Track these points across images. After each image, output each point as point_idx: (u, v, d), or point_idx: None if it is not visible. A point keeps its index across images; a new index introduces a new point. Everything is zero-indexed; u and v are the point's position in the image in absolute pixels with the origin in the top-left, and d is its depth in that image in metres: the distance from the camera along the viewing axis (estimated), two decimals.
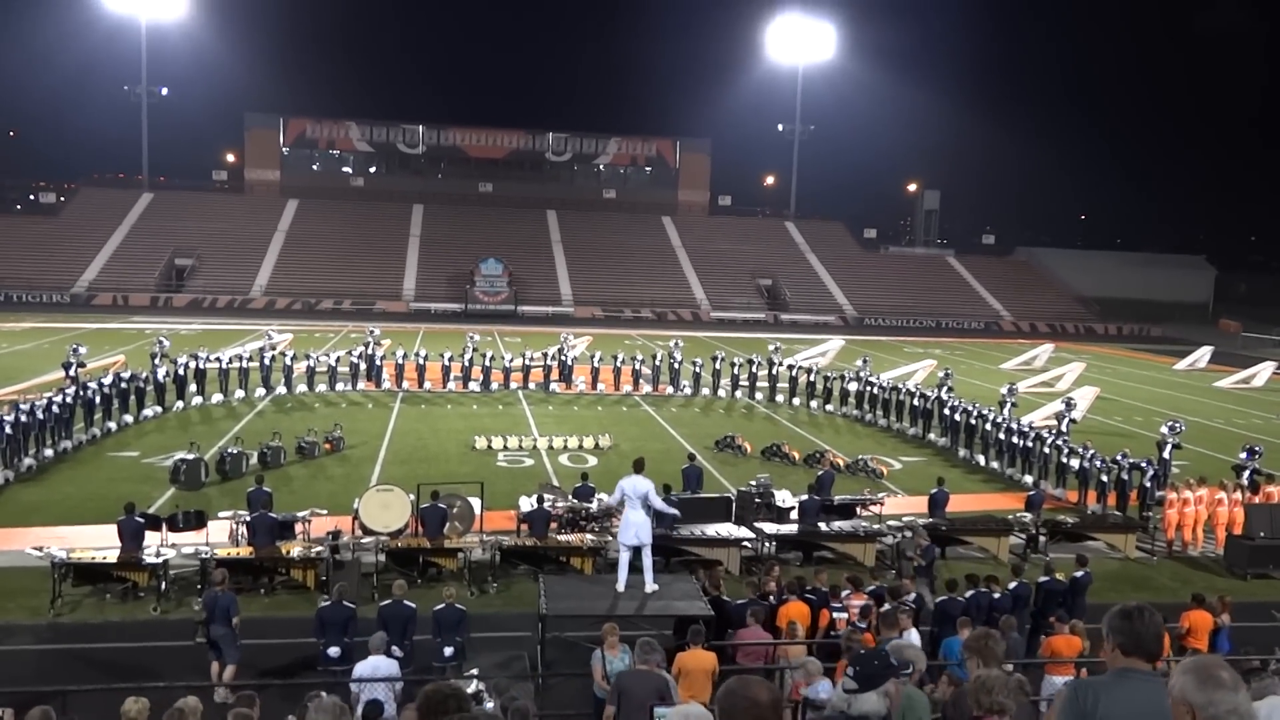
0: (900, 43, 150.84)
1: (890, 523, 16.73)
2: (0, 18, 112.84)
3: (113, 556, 13.26)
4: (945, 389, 26.91)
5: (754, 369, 32.70)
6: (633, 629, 10.64)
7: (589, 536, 15.20)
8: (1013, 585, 12.41)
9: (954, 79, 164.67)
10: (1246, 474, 19.17)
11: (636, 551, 11.98)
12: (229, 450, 20.18)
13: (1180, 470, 21.26)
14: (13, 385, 27.66)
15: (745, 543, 15.49)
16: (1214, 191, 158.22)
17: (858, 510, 17.59)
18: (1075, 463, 20.01)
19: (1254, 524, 16.77)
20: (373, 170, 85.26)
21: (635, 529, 11.80)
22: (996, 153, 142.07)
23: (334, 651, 10.64)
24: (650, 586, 11.88)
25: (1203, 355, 49.36)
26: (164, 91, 76.16)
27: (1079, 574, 12.86)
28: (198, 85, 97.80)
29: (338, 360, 31.73)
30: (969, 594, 11.77)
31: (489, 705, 8.34)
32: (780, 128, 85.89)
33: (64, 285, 60.94)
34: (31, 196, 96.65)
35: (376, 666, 9.44)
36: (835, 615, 11.29)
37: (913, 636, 9.94)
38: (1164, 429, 21.42)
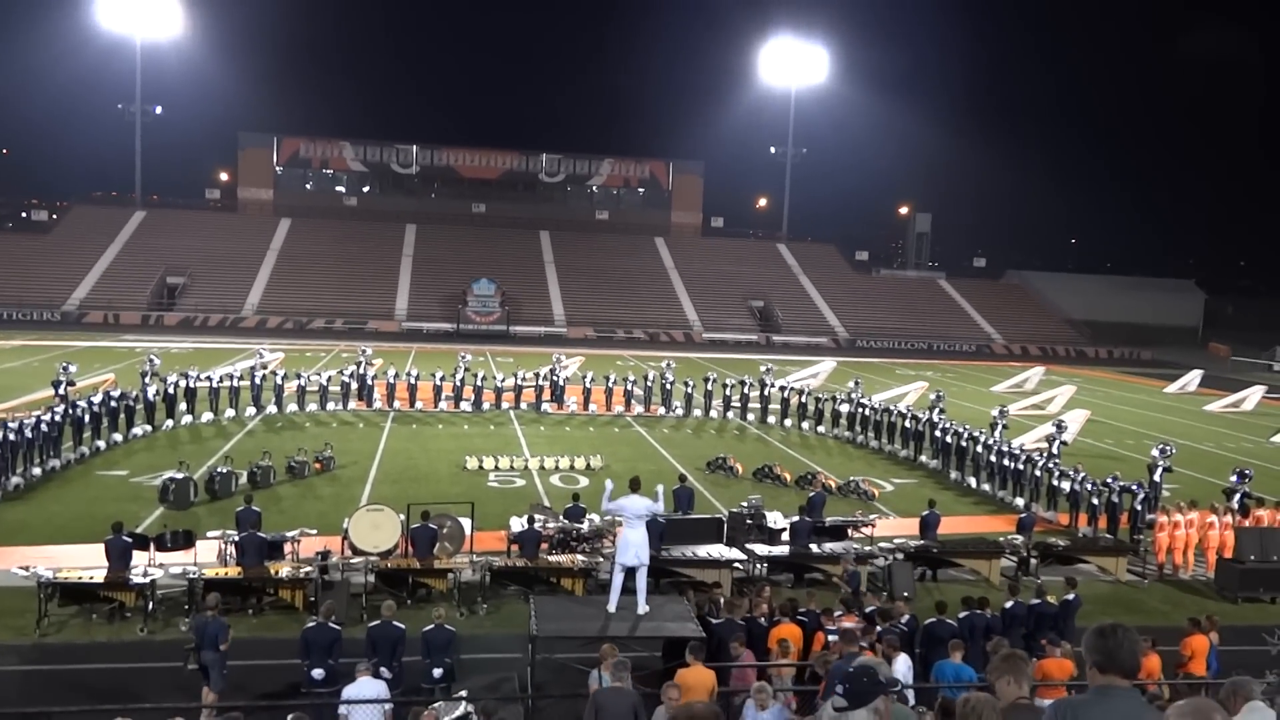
0: (892, 66, 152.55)
1: (881, 544, 16.73)
2: None
3: (100, 576, 13.17)
4: (937, 411, 26.96)
5: (746, 390, 32.73)
6: (623, 650, 10.57)
7: (580, 557, 15.13)
8: (1008, 604, 12.41)
9: (946, 103, 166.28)
10: (1237, 497, 19.22)
11: (630, 572, 11.88)
12: (218, 469, 20.09)
13: (1171, 494, 21.32)
14: (1, 403, 27.51)
15: (737, 564, 15.44)
16: (1203, 216, 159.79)
17: (849, 532, 17.57)
18: (1066, 485, 20.08)
19: (1244, 547, 16.79)
20: (366, 190, 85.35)
21: (635, 549, 11.67)
22: (988, 176, 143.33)
23: (318, 673, 10.53)
24: (643, 608, 11.80)
25: (1193, 379, 49.61)
26: (158, 110, 76.23)
27: (1069, 597, 12.88)
28: (192, 104, 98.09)
29: (329, 379, 31.66)
30: (962, 615, 11.76)
31: None
32: (773, 150, 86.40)
33: (55, 303, 60.73)
34: (24, 214, 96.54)
35: (364, 688, 9.37)
36: (830, 638, 11.24)
37: (901, 662, 9.90)
38: (1154, 452, 21.46)
